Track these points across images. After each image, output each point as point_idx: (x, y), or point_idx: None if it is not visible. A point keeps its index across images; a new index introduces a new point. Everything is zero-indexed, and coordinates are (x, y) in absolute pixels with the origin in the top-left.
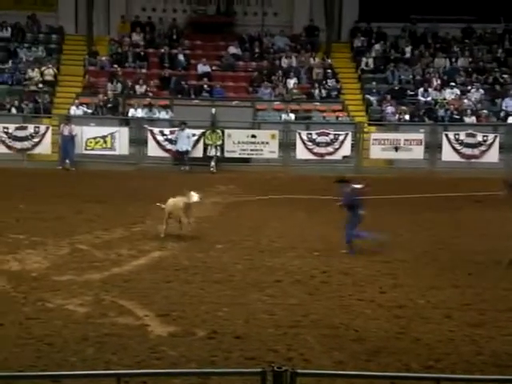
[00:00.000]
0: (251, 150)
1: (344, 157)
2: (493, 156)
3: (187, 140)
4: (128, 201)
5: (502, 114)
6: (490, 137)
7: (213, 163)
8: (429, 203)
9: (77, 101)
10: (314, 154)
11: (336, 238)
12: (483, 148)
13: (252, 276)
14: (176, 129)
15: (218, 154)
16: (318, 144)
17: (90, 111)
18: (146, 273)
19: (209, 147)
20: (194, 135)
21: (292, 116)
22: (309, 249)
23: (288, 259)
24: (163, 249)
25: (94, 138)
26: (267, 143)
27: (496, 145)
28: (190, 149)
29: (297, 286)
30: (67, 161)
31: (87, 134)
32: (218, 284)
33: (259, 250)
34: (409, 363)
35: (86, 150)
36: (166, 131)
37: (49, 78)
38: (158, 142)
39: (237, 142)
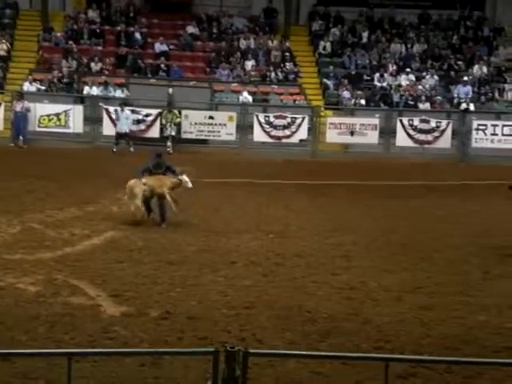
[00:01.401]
0: (208, 131)
1: (301, 140)
2: (445, 142)
3: (126, 121)
4: (82, 180)
5: (456, 100)
6: (444, 123)
7: (169, 143)
8: (382, 189)
9: (30, 77)
10: (271, 136)
11: (291, 221)
12: (436, 134)
13: (206, 257)
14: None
15: (174, 133)
16: (275, 127)
17: (43, 88)
18: (99, 253)
19: (165, 127)
20: (148, 115)
21: (250, 98)
22: (264, 231)
23: (243, 241)
24: (117, 229)
25: (48, 116)
26: (225, 125)
27: (449, 131)
28: (128, 130)
29: (251, 268)
30: (20, 137)
31: (40, 111)
32: (171, 265)
33: (214, 232)
34: (359, 344)
35: (39, 127)
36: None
37: (2, 53)
38: (113, 121)
39: (194, 122)
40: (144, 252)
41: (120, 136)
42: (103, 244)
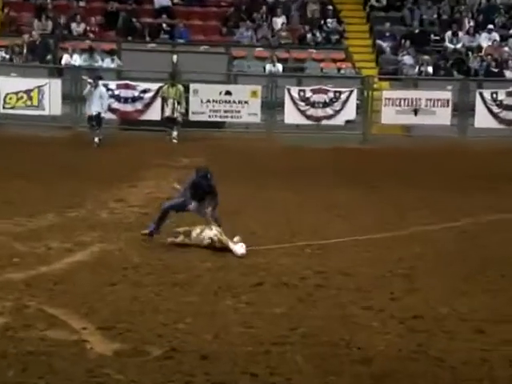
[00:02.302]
0: (225, 111)
1: (347, 121)
2: None
3: (100, 101)
4: (61, 177)
5: None
6: None
7: (175, 133)
8: (456, 186)
9: None
10: (308, 117)
11: (336, 228)
12: None
13: (224, 278)
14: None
15: (179, 115)
16: (313, 104)
17: (8, 57)
18: (85, 272)
19: (166, 105)
20: (146, 91)
21: (279, 67)
22: (300, 242)
23: (272, 256)
24: (107, 241)
25: (16, 94)
26: (246, 103)
27: None
28: (103, 112)
29: (283, 291)
30: None
31: (6, 88)
32: (178, 288)
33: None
34: None
35: (4, 108)
36: (112, 85)
37: None
38: None
39: (206, 100)
40: (143, 271)
41: (90, 119)
42: (89, 261)
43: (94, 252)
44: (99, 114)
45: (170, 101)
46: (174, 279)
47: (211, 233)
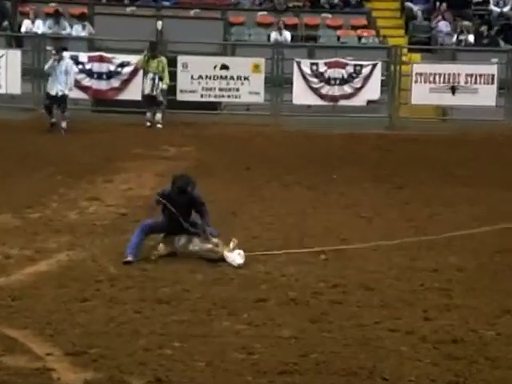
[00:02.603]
0: (221, 89)
1: (370, 102)
2: None
3: (64, 77)
4: (21, 169)
5: None
6: None
7: (159, 115)
8: (504, 181)
9: None
10: (323, 97)
11: (356, 231)
12: None
13: (219, 293)
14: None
15: (159, 93)
16: (328, 81)
17: None
18: (50, 286)
19: (145, 80)
20: (124, 65)
21: (287, 35)
22: (312, 249)
23: (278, 265)
24: (77, 248)
25: None
26: (246, 79)
27: None
28: (67, 91)
29: (292, 309)
30: None
31: None
32: (164, 305)
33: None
34: None
35: None
36: (83, 57)
37: None
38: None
39: (197, 76)
40: (121, 284)
41: (50, 99)
42: (55, 272)
43: (60, 261)
44: (63, 93)
45: (150, 75)
46: (158, 294)
47: (204, 246)
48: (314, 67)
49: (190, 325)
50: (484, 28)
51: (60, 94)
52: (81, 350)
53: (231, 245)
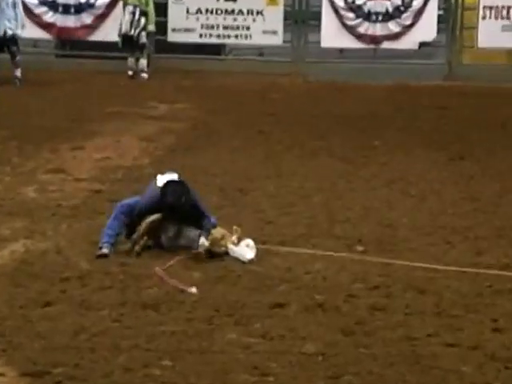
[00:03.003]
0: (225, 27)
1: (422, 44)
2: None
3: (13, 12)
4: None
5: None
6: None
7: (143, 62)
8: None
9: None
10: (359, 37)
11: (403, 216)
12: None
13: (224, 295)
14: None
15: (143, 35)
16: (367, 17)
17: None
18: (1, 285)
19: (122, 16)
20: None
21: None
22: (345, 238)
23: (301, 260)
24: (37, 236)
25: None
26: (260, 14)
27: None
28: (18, 31)
29: (319, 317)
30: None
31: None
32: (151, 310)
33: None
34: None
35: None
36: None
37: None
38: (30, 11)
39: (195, 10)
40: (94, 284)
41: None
42: (8, 266)
43: (15, 252)
44: (13, 33)
45: (129, 8)
46: (143, 297)
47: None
48: None
49: (185, 337)
50: None
51: (9, 33)
52: (42, 370)
53: (234, 236)
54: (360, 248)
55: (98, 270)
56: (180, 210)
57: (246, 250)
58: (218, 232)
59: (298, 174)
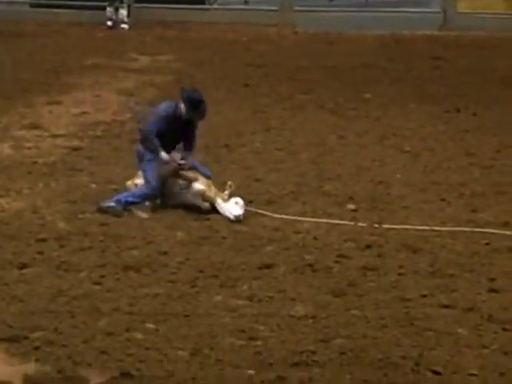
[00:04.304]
0: None
1: None
2: None
3: None
4: None
5: None
6: None
7: (123, 12)
8: None
9: None
10: None
11: (397, 172)
12: None
13: (209, 256)
14: None
15: None
16: None
17: None
18: None
19: None
20: None
21: None
22: (336, 196)
23: (290, 219)
24: (12, 194)
25: None
26: None
27: None
28: None
29: (308, 278)
30: None
31: None
32: (133, 272)
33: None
34: None
35: None
36: None
37: None
38: None
39: None
40: (73, 245)
41: None
42: None
43: None
44: None
45: None
46: (124, 259)
47: (196, 186)
48: None
49: (168, 300)
50: None
51: None
52: (19, 335)
53: (226, 191)
54: (351, 206)
55: (77, 230)
56: (203, 106)
57: (234, 206)
58: (206, 183)
59: (286, 129)
